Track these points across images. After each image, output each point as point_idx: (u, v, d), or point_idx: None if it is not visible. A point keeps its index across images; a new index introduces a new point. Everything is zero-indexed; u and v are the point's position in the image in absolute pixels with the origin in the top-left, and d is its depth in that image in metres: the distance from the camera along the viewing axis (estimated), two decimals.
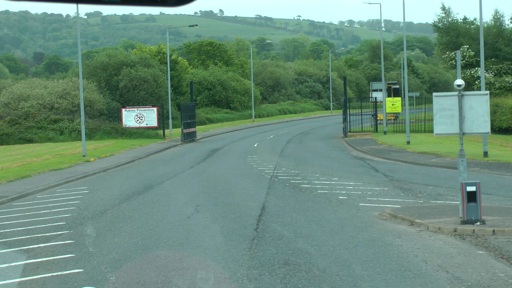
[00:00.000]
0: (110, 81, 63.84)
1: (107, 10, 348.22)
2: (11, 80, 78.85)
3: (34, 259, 13.28)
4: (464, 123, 16.22)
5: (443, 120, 16.30)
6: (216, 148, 42.86)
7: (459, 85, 16.19)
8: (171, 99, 62.23)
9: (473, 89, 52.43)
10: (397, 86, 71.62)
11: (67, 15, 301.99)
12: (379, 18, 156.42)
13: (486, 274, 11.49)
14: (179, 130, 52.13)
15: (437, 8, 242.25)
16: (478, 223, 15.31)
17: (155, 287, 11.02)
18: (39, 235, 15.71)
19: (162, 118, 52.86)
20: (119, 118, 54.31)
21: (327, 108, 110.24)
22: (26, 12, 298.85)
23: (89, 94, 56.85)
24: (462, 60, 54.09)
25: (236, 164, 32.19)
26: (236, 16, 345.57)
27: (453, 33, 60.02)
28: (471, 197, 15.54)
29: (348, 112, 50.91)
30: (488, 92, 16.97)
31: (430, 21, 70.84)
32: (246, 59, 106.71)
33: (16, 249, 14.29)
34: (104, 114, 57.96)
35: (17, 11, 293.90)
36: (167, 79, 58.08)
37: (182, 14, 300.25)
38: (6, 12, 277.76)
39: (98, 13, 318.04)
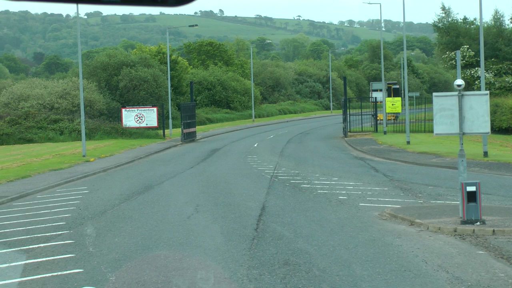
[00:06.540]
0: (110, 81, 63.83)
1: (107, 10, 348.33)
2: (11, 80, 78.84)
3: (34, 259, 13.28)
4: (464, 123, 16.21)
5: (443, 120, 16.29)
6: (216, 148, 42.85)
7: (459, 85, 16.19)
8: (171, 99, 62.22)
9: (473, 89, 52.42)
10: (397, 86, 71.60)
11: (67, 15, 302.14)
12: (379, 18, 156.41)
13: (486, 274, 11.49)
14: (179, 130, 52.12)
15: (437, 8, 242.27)
16: (478, 223, 15.31)
17: (155, 287, 11.02)
18: (39, 235, 15.71)
19: (162, 118, 52.86)
20: (119, 118, 54.31)
21: (327, 108, 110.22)
22: (26, 12, 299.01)
23: (89, 94, 56.85)
24: (462, 60, 54.07)
25: (236, 164, 32.19)
26: (236, 16, 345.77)
27: (453, 33, 60.01)
28: (471, 197, 15.54)
29: (348, 112, 50.91)
30: (488, 92, 16.97)
31: (430, 21, 70.89)
32: (246, 59, 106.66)
33: (16, 249, 14.29)
34: (104, 114, 57.96)
35: (17, 11, 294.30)
36: (167, 79, 58.07)
37: (182, 14, 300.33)
38: (6, 12, 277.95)
39: (98, 13, 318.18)
